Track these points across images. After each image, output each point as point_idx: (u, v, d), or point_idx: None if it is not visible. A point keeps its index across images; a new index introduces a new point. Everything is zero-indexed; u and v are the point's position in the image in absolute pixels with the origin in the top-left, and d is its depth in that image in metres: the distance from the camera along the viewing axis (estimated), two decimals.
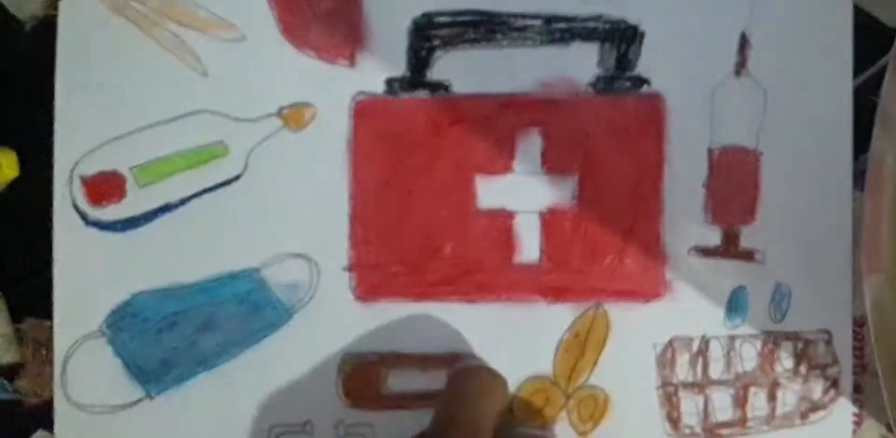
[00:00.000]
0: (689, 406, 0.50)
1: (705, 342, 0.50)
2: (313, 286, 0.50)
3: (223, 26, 0.49)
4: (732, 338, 0.50)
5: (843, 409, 0.50)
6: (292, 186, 0.50)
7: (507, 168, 0.50)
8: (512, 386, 0.49)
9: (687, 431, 0.50)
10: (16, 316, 0.50)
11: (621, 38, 0.49)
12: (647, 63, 0.49)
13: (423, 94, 0.50)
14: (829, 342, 0.50)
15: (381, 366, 0.50)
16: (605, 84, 0.49)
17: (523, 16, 0.49)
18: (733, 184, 0.50)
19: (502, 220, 0.50)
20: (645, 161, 0.49)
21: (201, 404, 0.49)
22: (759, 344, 0.50)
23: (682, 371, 0.50)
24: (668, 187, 0.50)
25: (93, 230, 0.49)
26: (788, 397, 0.50)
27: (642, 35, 0.49)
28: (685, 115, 0.49)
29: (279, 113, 0.49)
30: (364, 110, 0.50)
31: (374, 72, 0.50)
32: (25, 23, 0.50)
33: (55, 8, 0.49)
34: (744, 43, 0.49)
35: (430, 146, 0.50)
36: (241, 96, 0.49)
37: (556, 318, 0.50)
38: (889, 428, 0.50)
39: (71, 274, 0.49)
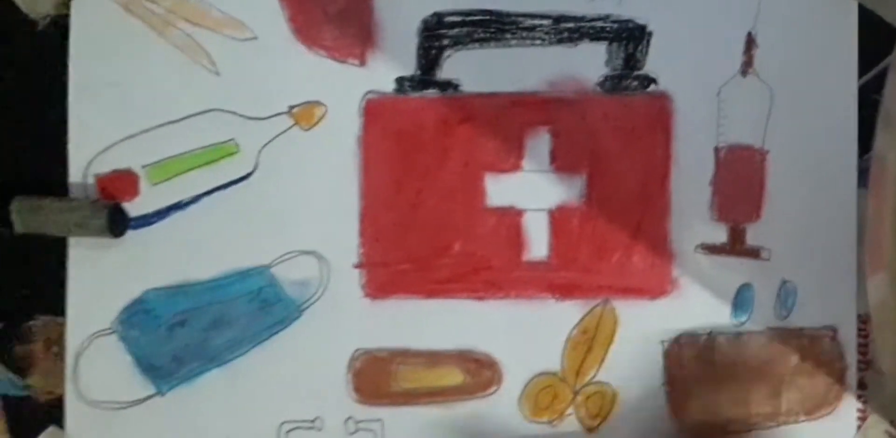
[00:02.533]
0: (696, 401, 0.50)
1: (712, 338, 0.50)
2: (323, 283, 0.50)
3: (235, 26, 0.50)
4: (738, 334, 0.50)
5: (848, 405, 0.51)
6: (303, 184, 0.50)
7: (515, 166, 0.50)
8: (520, 383, 0.50)
9: (694, 427, 0.50)
10: (28, 313, 0.50)
11: (629, 38, 0.50)
12: (655, 63, 0.50)
13: (432, 93, 0.50)
14: (834, 339, 0.50)
15: (391, 362, 0.50)
16: (612, 83, 0.50)
17: (532, 16, 0.50)
18: (739, 182, 0.50)
19: (511, 218, 0.50)
20: (652, 159, 0.50)
21: (212, 400, 0.50)
22: (764, 341, 0.50)
23: (689, 367, 0.50)
24: (675, 186, 0.50)
25: None
26: (794, 393, 0.50)
27: (650, 35, 0.50)
28: (692, 114, 0.50)
29: (290, 112, 0.50)
30: (374, 109, 0.50)
31: (385, 71, 0.50)
32: (38, 22, 0.50)
33: (68, 7, 0.50)
34: (750, 43, 0.50)
35: (439, 145, 0.50)
36: (252, 95, 0.50)
37: (565, 315, 0.50)
38: (893, 424, 0.50)
39: (83, 271, 0.50)
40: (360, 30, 0.50)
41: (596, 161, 0.50)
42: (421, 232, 0.50)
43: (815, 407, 0.51)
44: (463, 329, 0.50)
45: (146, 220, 0.50)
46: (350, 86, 0.50)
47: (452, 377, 0.50)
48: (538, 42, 0.50)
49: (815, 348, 0.50)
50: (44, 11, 0.50)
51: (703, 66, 0.50)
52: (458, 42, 0.50)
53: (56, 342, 0.50)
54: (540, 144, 0.50)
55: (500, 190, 0.50)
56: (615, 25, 0.50)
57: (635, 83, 0.50)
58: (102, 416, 0.50)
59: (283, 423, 0.50)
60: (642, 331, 0.50)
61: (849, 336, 0.51)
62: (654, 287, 0.50)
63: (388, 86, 0.50)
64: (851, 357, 0.51)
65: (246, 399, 0.50)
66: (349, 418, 0.50)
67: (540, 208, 0.50)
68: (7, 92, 0.50)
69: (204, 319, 0.50)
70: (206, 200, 0.50)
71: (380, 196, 0.50)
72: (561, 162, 0.50)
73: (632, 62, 0.50)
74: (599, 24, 0.50)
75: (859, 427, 0.51)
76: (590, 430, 0.50)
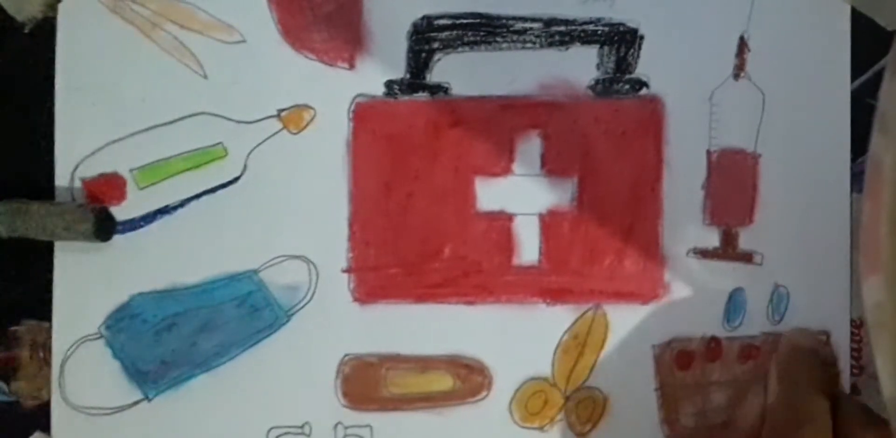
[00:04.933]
0: (688, 407, 0.50)
1: (704, 343, 0.50)
2: (312, 287, 0.50)
3: (223, 28, 0.49)
4: (731, 339, 0.50)
5: None
6: (291, 188, 0.50)
7: (506, 170, 0.50)
8: (511, 388, 0.50)
9: (685, 432, 0.50)
10: (13, 318, 0.50)
11: (620, 41, 0.49)
12: (646, 66, 0.50)
13: (422, 96, 0.50)
14: (827, 344, 0.50)
15: (380, 368, 0.50)
16: (604, 87, 0.50)
17: (523, 19, 0.49)
18: (732, 186, 0.50)
19: (502, 222, 0.50)
20: (644, 163, 0.50)
21: (200, 406, 0.49)
22: (757, 346, 0.50)
23: (681, 373, 0.50)
24: (667, 189, 0.50)
25: None
26: None
27: (641, 38, 0.49)
28: (684, 117, 0.50)
29: (279, 115, 0.50)
30: (363, 113, 0.50)
31: (374, 74, 0.50)
32: (25, 25, 0.50)
33: (54, 10, 0.49)
34: (742, 46, 0.50)
35: (429, 148, 0.50)
36: (240, 98, 0.50)
37: (556, 319, 0.50)
38: None
39: (70, 276, 0.49)
40: (349, 33, 0.49)
41: (587, 165, 0.50)
42: (410, 236, 0.50)
43: None
44: (453, 334, 0.50)
45: (133, 224, 0.49)
46: (339, 89, 0.49)
47: (442, 382, 0.50)
48: (529, 45, 0.49)
49: None
50: (30, 14, 0.49)
51: (695, 69, 0.50)
52: (448, 45, 0.49)
53: (42, 347, 0.50)
54: (531, 147, 0.50)
55: (490, 194, 0.50)
56: (606, 29, 0.49)
57: (627, 87, 0.50)
58: (89, 422, 0.49)
59: (271, 429, 0.49)
60: (634, 336, 0.50)
61: (842, 341, 0.50)
62: (646, 292, 0.50)
63: (378, 89, 0.50)
64: (845, 362, 0.50)
65: (234, 405, 0.49)
66: (338, 423, 0.50)
67: (531, 212, 0.50)
68: None
69: (192, 324, 0.49)
70: (194, 204, 0.49)
71: (369, 200, 0.50)
72: (552, 166, 0.50)
73: (623, 66, 0.49)
74: (591, 27, 0.49)
75: None
76: (581, 435, 0.50)
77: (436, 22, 0.49)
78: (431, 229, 0.50)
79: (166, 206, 0.49)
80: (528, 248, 0.50)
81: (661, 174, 0.50)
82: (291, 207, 0.50)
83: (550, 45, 0.50)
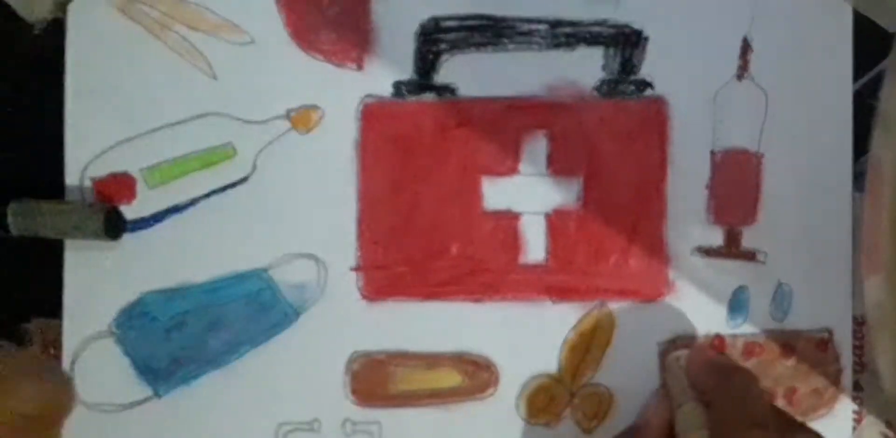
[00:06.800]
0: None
1: (708, 340, 0.50)
2: (321, 285, 0.50)
3: (232, 29, 0.50)
4: (734, 337, 0.50)
5: (844, 407, 0.51)
6: (300, 187, 0.50)
7: (512, 170, 0.50)
8: (517, 385, 0.50)
9: None
10: (24, 315, 0.50)
11: (625, 43, 0.50)
12: (651, 67, 0.50)
13: (429, 97, 0.50)
14: (829, 341, 0.51)
15: (388, 364, 0.50)
16: (609, 88, 0.50)
17: (529, 20, 0.50)
18: (735, 185, 0.50)
19: (508, 221, 0.50)
20: (649, 163, 0.50)
21: (209, 403, 0.50)
22: (760, 343, 0.50)
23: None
24: (672, 189, 0.50)
25: None
26: (789, 395, 0.50)
27: (646, 40, 0.50)
28: (688, 118, 0.50)
29: (287, 115, 0.50)
30: (371, 113, 0.50)
31: (382, 75, 0.50)
32: (34, 26, 0.50)
33: (64, 11, 0.50)
34: (745, 47, 0.50)
35: (436, 148, 0.50)
36: (249, 99, 0.50)
37: (562, 317, 0.50)
38: (889, 426, 0.51)
39: (80, 274, 0.50)
40: (357, 34, 0.50)
41: (592, 165, 0.50)
42: (418, 235, 0.50)
43: (810, 409, 0.51)
44: (460, 332, 0.50)
45: (143, 223, 0.50)
46: (347, 90, 0.50)
47: (450, 379, 0.50)
48: (535, 47, 0.50)
49: (811, 350, 0.51)
50: (40, 15, 0.50)
51: (699, 70, 0.50)
52: (455, 46, 0.50)
53: (52, 345, 0.50)
54: (537, 147, 0.50)
55: (497, 193, 0.50)
56: (612, 30, 0.50)
57: (632, 87, 0.50)
58: (99, 418, 0.50)
59: (280, 425, 0.50)
60: (639, 333, 0.50)
61: (844, 338, 0.51)
62: (651, 290, 0.50)
63: (386, 90, 0.50)
64: (847, 359, 0.51)
65: (244, 401, 0.50)
66: (347, 420, 0.50)
67: (537, 211, 0.50)
68: (3, 96, 0.50)
69: (202, 321, 0.50)
70: (203, 203, 0.50)
71: (377, 200, 0.50)
72: (558, 166, 0.50)
73: (628, 67, 0.50)
74: (596, 28, 0.50)
75: (855, 429, 0.51)
76: (587, 432, 0.50)
77: (443, 23, 0.50)
78: (439, 228, 0.50)
79: (176, 205, 0.50)
80: (535, 247, 0.50)
81: (666, 174, 0.50)
82: (300, 206, 0.50)
83: (556, 46, 0.50)
